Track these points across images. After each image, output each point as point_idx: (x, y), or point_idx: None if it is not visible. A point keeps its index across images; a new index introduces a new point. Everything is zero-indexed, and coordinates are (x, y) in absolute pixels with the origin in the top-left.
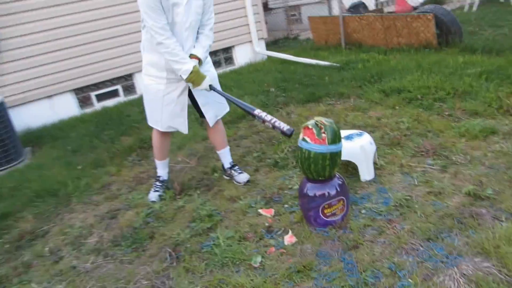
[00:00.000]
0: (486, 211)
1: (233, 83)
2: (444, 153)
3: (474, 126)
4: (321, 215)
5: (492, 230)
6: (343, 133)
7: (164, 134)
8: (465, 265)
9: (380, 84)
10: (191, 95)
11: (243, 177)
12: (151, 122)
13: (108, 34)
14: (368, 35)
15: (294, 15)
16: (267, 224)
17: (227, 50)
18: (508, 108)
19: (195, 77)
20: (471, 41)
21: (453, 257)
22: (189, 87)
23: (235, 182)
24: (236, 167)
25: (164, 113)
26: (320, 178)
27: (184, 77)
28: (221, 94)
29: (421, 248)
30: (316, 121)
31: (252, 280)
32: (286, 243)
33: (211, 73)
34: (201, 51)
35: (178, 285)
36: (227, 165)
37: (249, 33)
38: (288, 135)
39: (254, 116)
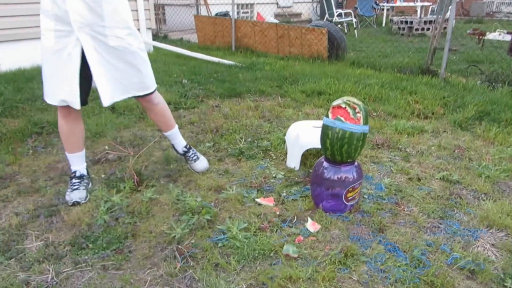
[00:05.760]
0: (465, 192)
1: None
2: (397, 146)
3: (404, 125)
4: (344, 200)
5: (482, 207)
6: (317, 123)
7: (69, 117)
8: (487, 236)
9: (298, 85)
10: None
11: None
12: (45, 96)
13: None
14: (260, 42)
15: (157, 14)
16: (278, 213)
17: None
18: (419, 112)
19: None
20: (358, 57)
21: (473, 230)
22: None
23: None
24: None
25: (53, 79)
26: (348, 160)
27: None
28: None
29: (441, 226)
30: (347, 101)
31: (300, 271)
32: (312, 230)
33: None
34: None
35: (213, 286)
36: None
37: (137, 20)
38: None
39: None
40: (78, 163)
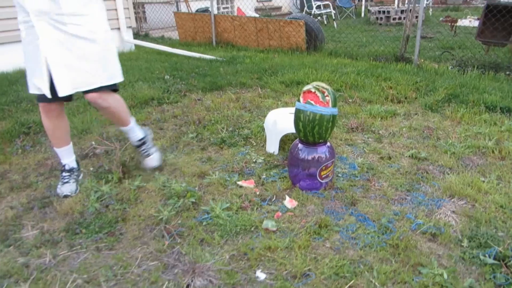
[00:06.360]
0: (432, 167)
1: None
2: (370, 129)
3: (378, 110)
4: (318, 178)
5: (446, 179)
6: (293, 110)
7: (51, 113)
8: (448, 205)
9: (277, 76)
10: None
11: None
12: (28, 87)
13: None
14: (240, 36)
15: (137, 13)
16: (258, 193)
17: None
18: (393, 97)
19: None
20: (336, 48)
21: (436, 200)
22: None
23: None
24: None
25: (29, 69)
26: (320, 141)
27: None
28: None
29: (408, 198)
30: (316, 85)
31: (279, 241)
32: (289, 206)
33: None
34: None
35: (199, 258)
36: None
37: (117, 19)
38: None
39: None
40: (66, 156)
